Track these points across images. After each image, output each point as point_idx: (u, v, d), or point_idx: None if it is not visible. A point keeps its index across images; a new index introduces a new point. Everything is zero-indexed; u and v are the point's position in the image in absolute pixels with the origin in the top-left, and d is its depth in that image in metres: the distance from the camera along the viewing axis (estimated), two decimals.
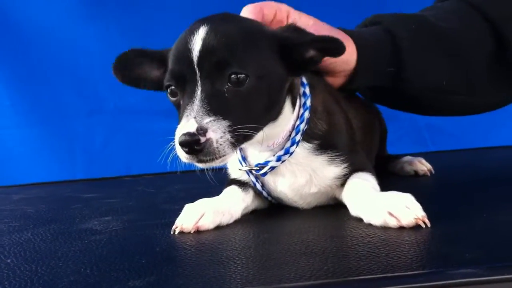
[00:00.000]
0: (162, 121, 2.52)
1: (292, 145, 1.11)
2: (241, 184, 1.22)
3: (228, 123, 0.96)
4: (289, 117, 1.11)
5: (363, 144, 1.35)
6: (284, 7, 1.22)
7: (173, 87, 1.03)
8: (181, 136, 0.94)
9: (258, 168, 1.15)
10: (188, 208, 1.10)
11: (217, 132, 0.94)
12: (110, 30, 2.50)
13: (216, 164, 1.00)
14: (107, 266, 0.88)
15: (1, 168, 2.52)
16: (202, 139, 0.93)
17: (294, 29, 1.07)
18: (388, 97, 1.45)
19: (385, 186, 1.12)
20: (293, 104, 1.12)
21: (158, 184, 1.91)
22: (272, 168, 1.14)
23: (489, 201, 1.22)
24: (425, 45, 1.33)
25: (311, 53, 1.06)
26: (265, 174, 1.16)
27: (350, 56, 1.26)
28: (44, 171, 2.49)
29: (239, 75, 0.98)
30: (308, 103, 1.13)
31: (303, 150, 1.14)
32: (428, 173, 1.62)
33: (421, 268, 0.76)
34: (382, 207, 0.98)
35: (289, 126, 1.12)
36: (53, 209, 1.50)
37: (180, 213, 1.11)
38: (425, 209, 0.97)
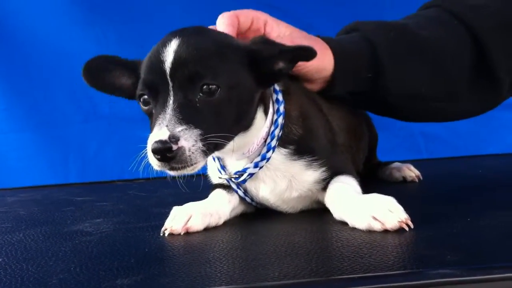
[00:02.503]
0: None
1: (268, 151, 1.14)
2: (226, 187, 1.24)
3: (200, 132, 0.99)
4: (261, 126, 1.14)
5: (348, 147, 1.37)
6: (261, 16, 1.25)
7: (145, 96, 1.06)
8: (153, 143, 0.96)
9: (237, 176, 1.17)
10: (176, 210, 1.12)
11: (189, 140, 0.97)
12: (107, 36, 2.51)
13: (187, 171, 1.02)
14: (96, 265, 0.90)
15: None
16: (174, 147, 0.95)
17: (263, 41, 1.10)
18: (368, 102, 1.47)
19: (372, 191, 1.13)
20: (266, 112, 1.15)
21: (149, 189, 1.92)
22: (251, 174, 1.16)
23: (473, 206, 1.24)
24: (403, 53, 1.36)
25: (280, 64, 1.09)
26: (244, 181, 1.18)
27: (327, 63, 1.28)
28: (37, 176, 2.48)
29: (210, 86, 1.01)
30: (282, 109, 1.15)
31: (279, 156, 1.16)
32: (416, 179, 1.64)
33: (402, 268, 0.78)
34: (366, 211, 1.00)
35: (263, 133, 1.14)
36: (45, 212, 1.52)
37: None
38: (409, 213, 0.99)
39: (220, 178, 1.22)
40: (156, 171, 1.02)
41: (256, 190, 1.20)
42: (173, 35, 1.05)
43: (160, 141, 0.95)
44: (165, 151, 0.95)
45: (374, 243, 0.92)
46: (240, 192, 1.21)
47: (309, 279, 0.76)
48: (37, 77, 2.51)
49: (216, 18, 1.20)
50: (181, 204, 1.15)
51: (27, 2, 2.46)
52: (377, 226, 0.98)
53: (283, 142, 1.15)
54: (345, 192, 1.11)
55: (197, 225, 1.09)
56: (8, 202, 1.78)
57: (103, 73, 1.15)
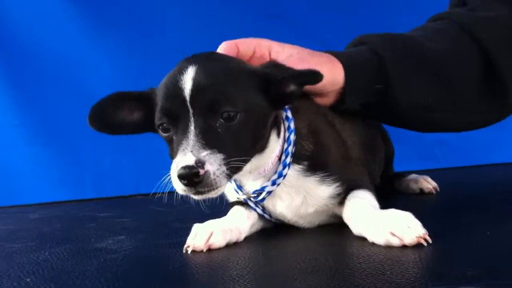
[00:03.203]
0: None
1: (283, 168, 1.16)
2: (244, 203, 1.25)
3: (223, 156, 1.01)
4: (275, 145, 1.16)
5: (364, 161, 1.38)
6: (264, 42, 1.28)
7: (164, 124, 1.08)
8: (180, 169, 0.98)
9: (255, 195, 1.19)
10: (197, 227, 1.14)
11: (213, 164, 0.99)
12: (119, 49, 2.53)
13: (212, 195, 1.05)
14: (123, 284, 0.92)
15: (9, 186, 2.51)
16: (201, 172, 0.97)
17: (274, 65, 1.13)
18: (379, 114, 1.49)
19: (390, 204, 1.14)
20: (278, 132, 1.17)
21: (168, 203, 1.93)
22: (269, 192, 1.18)
23: (492, 218, 1.25)
24: (411, 65, 1.37)
25: (291, 87, 1.12)
26: (263, 199, 1.20)
27: (337, 77, 1.30)
28: (52, 190, 2.49)
29: (230, 112, 1.04)
30: (292, 126, 1.18)
31: (293, 172, 1.18)
32: (434, 191, 1.64)
33: (424, 285, 0.79)
34: (384, 227, 1.01)
35: (277, 152, 1.16)
36: (68, 229, 1.55)
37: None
38: (428, 226, 1.00)
39: (238, 198, 1.24)
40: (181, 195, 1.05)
41: (273, 206, 1.22)
42: (188, 62, 1.07)
43: (187, 167, 0.97)
44: (193, 176, 0.97)
45: (395, 258, 0.92)
46: (259, 210, 1.23)
47: None
48: (50, 91, 2.53)
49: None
50: (201, 219, 1.17)
51: (37, 19, 2.50)
52: (395, 242, 0.99)
53: (296, 158, 1.17)
54: (362, 208, 1.12)
55: (219, 241, 1.11)
56: (30, 219, 1.81)
57: (111, 114, 1.15)
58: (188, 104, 1.03)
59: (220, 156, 1.00)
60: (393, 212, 1.05)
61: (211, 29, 2.44)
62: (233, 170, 1.03)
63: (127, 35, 2.54)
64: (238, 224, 1.17)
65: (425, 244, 0.97)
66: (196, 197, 1.04)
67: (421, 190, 1.65)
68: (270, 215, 1.25)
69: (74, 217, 1.83)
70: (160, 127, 1.09)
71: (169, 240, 1.25)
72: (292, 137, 1.17)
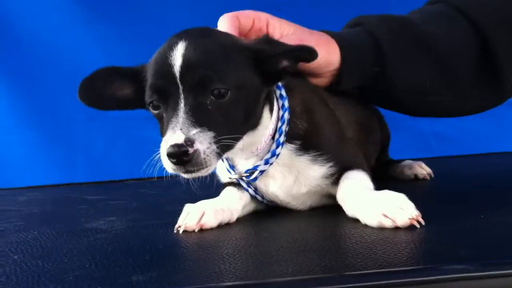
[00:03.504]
0: None
1: (277, 147, 1.14)
2: (236, 184, 1.24)
3: (213, 134, 0.99)
4: (267, 123, 1.14)
5: (359, 142, 1.36)
6: (263, 16, 1.26)
7: (155, 101, 1.06)
8: (169, 147, 0.96)
9: (248, 174, 1.17)
10: (189, 207, 1.13)
11: (203, 143, 0.98)
12: (109, 34, 2.49)
13: (201, 174, 1.03)
14: (111, 262, 0.91)
15: (0, 170, 2.48)
16: (190, 150, 0.96)
17: (267, 40, 1.11)
18: (375, 96, 1.48)
19: (384, 189, 1.13)
20: (271, 109, 1.15)
21: (161, 187, 1.93)
22: (262, 172, 1.17)
23: (484, 204, 1.23)
24: (407, 47, 1.35)
25: (284, 63, 1.10)
26: (255, 179, 1.18)
27: (333, 57, 1.29)
28: (43, 174, 2.45)
29: (220, 89, 1.02)
30: (286, 104, 1.16)
31: (286, 151, 1.16)
32: (428, 177, 1.63)
33: (415, 264, 0.78)
34: (377, 208, 1.00)
35: (270, 130, 1.15)
36: (58, 210, 1.54)
37: None
38: (421, 210, 0.99)
39: (230, 178, 1.22)
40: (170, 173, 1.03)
41: (265, 186, 1.21)
42: (178, 37, 1.05)
43: (176, 145, 0.95)
44: (181, 155, 0.96)
45: (387, 239, 0.92)
46: (251, 191, 1.22)
47: (323, 274, 0.76)
48: (42, 75, 2.49)
49: (217, 16, 1.20)
50: (194, 202, 1.16)
51: (30, 1, 2.46)
52: (388, 223, 0.98)
53: (289, 137, 1.16)
54: (356, 189, 1.11)
55: (210, 221, 1.10)
56: (20, 201, 1.80)
57: (101, 88, 1.13)
58: (178, 81, 1.01)
59: (210, 134, 0.99)
60: (386, 193, 1.04)
61: (204, 15, 2.42)
62: (223, 148, 1.02)
63: (117, 22, 2.49)
64: (230, 205, 1.16)
65: (417, 226, 0.96)
66: (185, 175, 1.02)
67: (416, 176, 1.64)
68: (262, 196, 1.23)
69: (64, 199, 1.82)
70: (151, 105, 1.07)
71: (161, 221, 1.23)
72: (286, 115, 1.15)
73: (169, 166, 1.00)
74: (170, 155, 0.97)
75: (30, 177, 2.43)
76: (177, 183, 1.94)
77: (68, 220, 1.36)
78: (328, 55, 1.26)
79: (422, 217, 0.98)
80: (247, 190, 1.22)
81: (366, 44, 1.34)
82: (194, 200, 1.18)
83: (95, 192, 1.94)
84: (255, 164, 1.16)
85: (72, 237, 1.13)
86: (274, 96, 1.17)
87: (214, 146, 0.99)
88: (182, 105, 1.00)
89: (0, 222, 1.37)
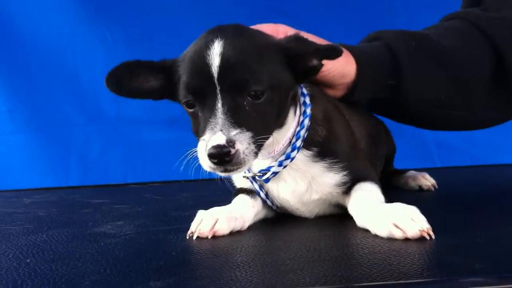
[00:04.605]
0: (161, 131, 2.56)
1: (292, 150, 1.16)
2: (249, 192, 1.25)
3: (251, 134, 1.01)
4: (291, 124, 1.16)
5: (367, 154, 1.38)
6: (281, 28, 1.28)
7: (190, 100, 1.07)
8: (210, 148, 0.98)
9: (261, 174, 1.19)
10: (202, 214, 1.13)
11: (243, 143, 1.00)
12: (113, 36, 2.51)
13: (238, 172, 1.06)
14: (126, 267, 0.91)
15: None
16: (232, 151, 0.98)
17: (297, 39, 1.12)
18: (389, 109, 1.51)
19: (390, 200, 1.14)
20: (295, 111, 1.18)
21: (165, 192, 1.94)
22: (275, 173, 1.18)
23: (491, 215, 1.26)
24: (423, 61, 1.39)
25: (314, 62, 1.13)
26: (268, 180, 1.19)
27: (350, 69, 1.32)
28: (38, 177, 2.47)
29: (257, 90, 1.04)
30: (308, 111, 1.18)
31: (302, 157, 1.18)
32: (432, 188, 1.65)
33: (431, 276, 0.78)
34: (388, 219, 1.01)
35: (289, 134, 1.16)
36: (64, 213, 1.53)
37: (192, 220, 1.13)
38: (429, 221, 1.00)
39: (244, 177, 1.23)
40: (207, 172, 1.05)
41: (277, 190, 1.22)
42: (214, 35, 1.06)
43: (218, 146, 0.97)
44: (223, 155, 0.98)
45: (400, 250, 0.92)
46: (262, 194, 1.23)
47: (341, 285, 0.77)
48: (41, 78, 2.50)
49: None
50: (200, 208, 1.16)
51: (30, 3, 2.46)
52: (398, 234, 0.98)
53: (307, 144, 1.17)
54: (368, 200, 1.12)
55: (223, 229, 1.10)
56: (25, 204, 1.79)
57: (128, 79, 1.14)
58: (216, 81, 1.02)
59: (248, 135, 1.01)
60: (398, 205, 1.04)
61: (209, 16, 2.43)
62: (259, 147, 1.04)
63: (121, 23, 2.51)
64: (242, 213, 1.17)
65: (428, 238, 0.97)
66: (223, 174, 1.05)
67: (420, 187, 1.66)
68: (272, 202, 1.24)
69: (68, 203, 1.81)
70: (185, 103, 1.08)
71: (169, 227, 1.24)
72: (307, 122, 1.17)
73: (207, 165, 1.01)
74: (212, 156, 0.98)
75: (24, 180, 2.43)
76: (180, 189, 1.98)
77: (76, 223, 1.35)
78: (344, 67, 1.30)
79: (432, 230, 0.98)
80: (258, 194, 1.23)
81: (383, 58, 1.37)
82: (200, 206, 1.18)
83: (97, 195, 1.95)
84: (269, 165, 1.17)
85: (83, 241, 1.13)
86: (298, 99, 1.19)
87: (252, 146, 1.01)
88: (219, 105, 1.02)
89: (9, 225, 1.37)
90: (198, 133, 1.06)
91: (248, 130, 1.01)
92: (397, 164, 1.86)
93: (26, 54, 2.50)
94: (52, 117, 2.52)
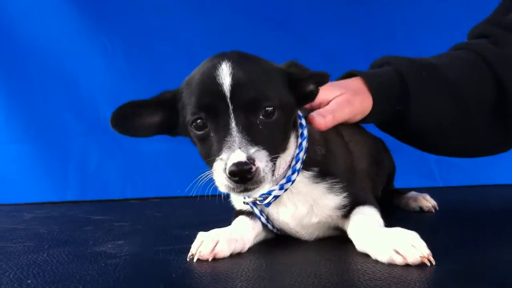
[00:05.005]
0: (161, 141, 2.54)
1: (293, 173, 1.16)
2: (249, 213, 1.25)
3: (267, 153, 1.01)
4: (292, 148, 1.17)
5: (369, 173, 1.39)
6: None
7: (199, 120, 1.06)
8: (231, 166, 0.97)
9: (262, 198, 1.18)
10: (203, 236, 1.13)
11: (262, 161, 1.00)
12: (113, 45, 2.52)
13: (257, 192, 1.07)
14: None
15: None
16: (253, 168, 0.97)
17: (295, 64, 1.15)
18: (393, 130, 1.54)
19: (391, 221, 1.15)
20: (295, 136, 1.18)
21: (165, 209, 1.94)
22: (276, 197, 1.18)
23: (492, 239, 1.26)
24: (431, 90, 1.43)
25: (311, 87, 1.15)
26: (269, 204, 1.19)
27: (366, 107, 1.37)
28: (36, 188, 2.46)
29: (269, 108, 1.04)
30: (305, 133, 1.18)
31: (303, 179, 1.18)
32: (433, 210, 1.65)
33: None
34: (389, 244, 1.01)
35: (289, 157, 1.17)
36: (65, 230, 1.53)
37: (192, 240, 1.13)
38: (429, 246, 1.00)
39: (244, 203, 1.23)
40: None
41: (277, 214, 1.22)
42: (220, 58, 1.07)
43: (240, 163, 0.96)
44: (245, 173, 0.97)
45: (401, 277, 0.92)
46: (263, 218, 1.23)
47: None
48: (40, 88, 2.50)
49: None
50: (201, 226, 1.17)
51: (29, 11, 2.47)
52: (398, 260, 0.98)
53: (306, 164, 1.18)
54: (368, 224, 1.12)
55: (224, 251, 1.10)
56: (26, 219, 1.80)
57: (131, 119, 1.15)
58: (228, 100, 1.02)
59: (265, 153, 1.01)
60: (398, 230, 1.04)
61: (208, 28, 2.46)
62: (275, 166, 1.04)
63: (121, 33, 2.51)
64: (243, 235, 1.17)
65: (428, 264, 0.97)
66: (243, 194, 1.04)
67: (421, 208, 1.66)
68: (273, 225, 1.24)
69: (70, 219, 1.82)
70: (194, 124, 1.07)
71: (170, 247, 1.24)
72: (305, 143, 1.17)
73: (224, 185, 1.01)
74: (233, 173, 0.97)
75: (21, 191, 2.42)
76: (181, 205, 1.98)
77: (77, 242, 1.35)
78: (363, 106, 1.35)
79: (432, 256, 0.98)
80: (259, 218, 1.23)
81: (393, 84, 1.41)
82: (200, 224, 1.18)
83: (98, 211, 1.95)
84: (270, 189, 1.17)
85: (83, 262, 1.13)
86: (298, 122, 1.20)
87: (270, 164, 1.01)
88: (233, 124, 1.02)
89: (10, 242, 1.37)
90: (208, 156, 1.06)
91: (264, 148, 1.01)
92: (399, 180, 1.86)
93: (25, 64, 2.50)
94: (51, 126, 2.51)
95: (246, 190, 1.01)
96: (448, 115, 1.44)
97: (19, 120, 2.51)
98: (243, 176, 0.97)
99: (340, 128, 1.34)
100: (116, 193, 2.44)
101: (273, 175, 1.04)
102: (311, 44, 2.51)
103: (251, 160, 0.97)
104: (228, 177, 0.98)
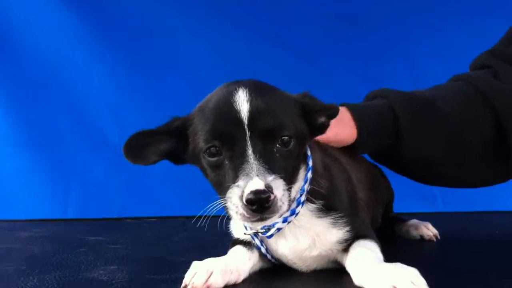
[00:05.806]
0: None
1: (297, 205, 1.12)
2: (246, 243, 1.22)
3: (284, 182, 0.99)
4: (301, 177, 1.13)
5: (369, 201, 1.36)
6: None
7: (213, 147, 1.03)
8: (249, 194, 0.94)
9: (264, 230, 1.14)
10: (197, 266, 1.10)
11: (279, 189, 0.97)
12: (112, 55, 2.53)
13: (272, 221, 1.05)
14: None
15: None
16: (272, 196, 0.94)
17: (308, 96, 1.14)
18: (386, 161, 1.56)
19: (391, 250, 1.13)
20: (305, 168, 1.14)
21: (161, 231, 1.92)
22: (279, 229, 1.14)
23: (492, 270, 1.23)
24: (422, 125, 1.44)
25: (323, 118, 1.14)
26: (271, 236, 1.15)
27: (350, 137, 1.40)
28: (37, 203, 2.44)
29: (285, 137, 1.02)
30: (310, 163, 1.15)
31: (306, 212, 1.14)
32: (434, 239, 1.61)
33: None
34: (387, 280, 0.98)
35: (298, 188, 1.12)
36: (59, 252, 1.51)
37: (186, 268, 1.10)
38: (428, 281, 0.96)
39: (245, 234, 1.19)
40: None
41: (276, 245, 1.18)
42: (236, 85, 1.05)
43: (258, 191, 0.93)
44: (263, 201, 0.94)
45: None
46: (263, 249, 1.19)
47: None
48: (40, 102, 2.51)
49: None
50: (196, 252, 1.14)
51: (32, 20, 2.48)
52: None
53: (311, 197, 1.14)
54: (367, 258, 1.09)
55: (217, 282, 1.06)
56: (21, 238, 1.78)
57: (143, 148, 1.12)
58: (246, 126, 1.00)
59: (282, 182, 0.98)
60: (398, 266, 1.01)
61: (211, 40, 2.46)
62: (290, 196, 1.01)
63: (122, 42, 2.52)
64: (238, 266, 1.13)
65: None
66: (258, 223, 1.03)
67: (422, 236, 1.62)
68: (272, 256, 1.21)
69: (64, 239, 1.80)
70: (207, 152, 1.04)
71: (163, 275, 1.21)
72: (309, 175, 1.14)
73: (239, 213, 0.97)
74: (250, 202, 0.94)
75: (21, 206, 2.41)
76: (176, 227, 1.96)
77: (68, 266, 1.33)
78: (350, 136, 1.40)
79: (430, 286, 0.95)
80: (259, 248, 1.20)
81: (384, 119, 1.43)
82: (196, 249, 1.16)
83: (94, 231, 1.94)
84: (273, 221, 1.13)
85: None
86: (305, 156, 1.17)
87: (287, 193, 0.99)
88: (250, 151, 0.99)
89: (4, 264, 1.36)
90: (221, 183, 1.03)
91: (281, 177, 0.98)
92: (400, 204, 1.82)
93: (30, 79, 2.51)
94: (52, 140, 2.51)
95: (261, 219, 0.98)
96: (442, 149, 1.44)
97: (20, 134, 2.50)
98: (262, 204, 0.94)
99: (338, 156, 1.32)
100: (116, 211, 2.42)
101: (289, 205, 1.01)
102: (315, 67, 2.51)
103: (269, 189, 0.94)
104: (245, 205, 0.95)
